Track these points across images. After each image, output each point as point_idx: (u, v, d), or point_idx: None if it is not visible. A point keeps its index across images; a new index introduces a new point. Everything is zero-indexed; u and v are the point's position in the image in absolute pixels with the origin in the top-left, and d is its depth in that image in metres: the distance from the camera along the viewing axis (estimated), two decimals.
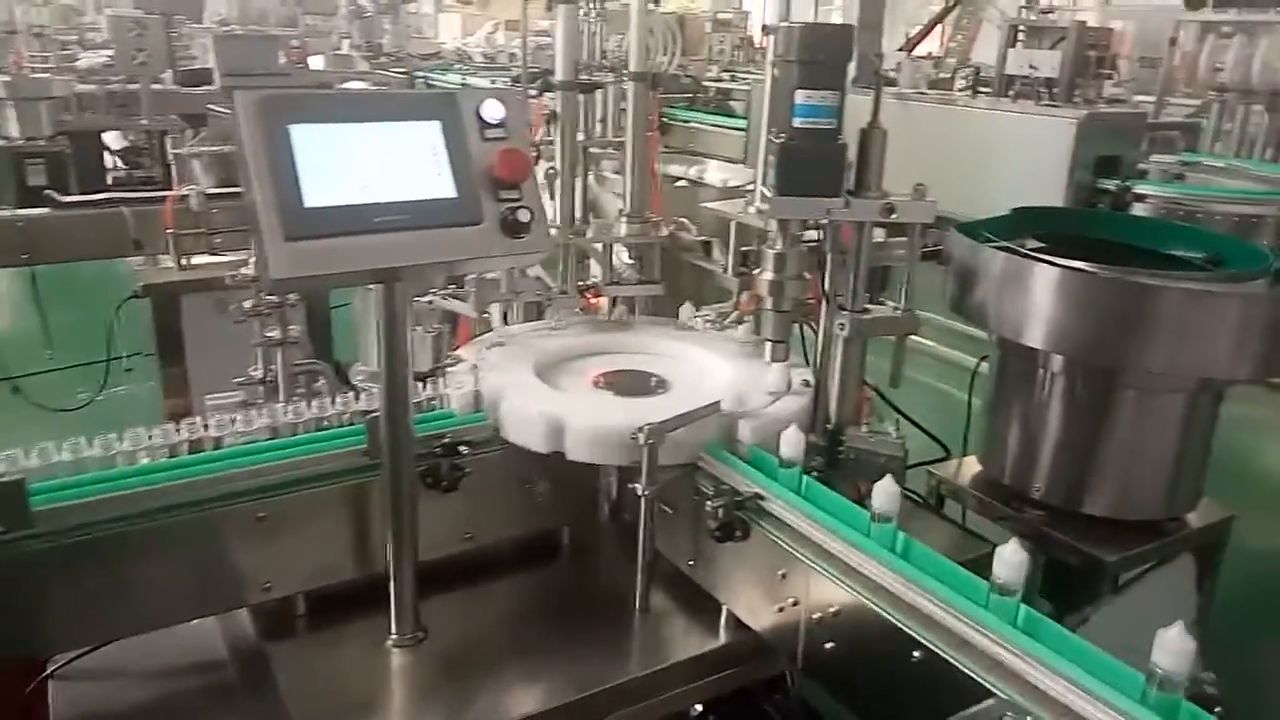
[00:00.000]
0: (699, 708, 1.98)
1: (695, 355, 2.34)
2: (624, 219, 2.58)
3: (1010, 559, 1.39)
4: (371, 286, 1.64)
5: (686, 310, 2.45)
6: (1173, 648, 1.23)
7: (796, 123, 1.91)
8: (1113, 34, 6.58)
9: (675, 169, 4.63)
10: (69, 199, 4.23)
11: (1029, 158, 5.07)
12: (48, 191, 4.36)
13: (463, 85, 9.59)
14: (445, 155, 1.61)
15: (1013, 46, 5.94)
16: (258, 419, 1.85)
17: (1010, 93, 5.70)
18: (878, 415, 2.32)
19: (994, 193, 4.97)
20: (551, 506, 2.11)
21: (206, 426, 1.75)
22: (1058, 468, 2.41)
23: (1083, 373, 2.33)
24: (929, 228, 2.18)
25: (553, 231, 2.48)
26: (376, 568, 1.90)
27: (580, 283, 2.56)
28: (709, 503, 1.76)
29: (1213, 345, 2.15)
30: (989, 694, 1.37)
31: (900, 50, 9.69)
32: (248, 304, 2.47)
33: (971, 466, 2.67)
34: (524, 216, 1.63)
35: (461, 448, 1.92)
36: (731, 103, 8.66)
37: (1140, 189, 4.74)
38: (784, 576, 1.71)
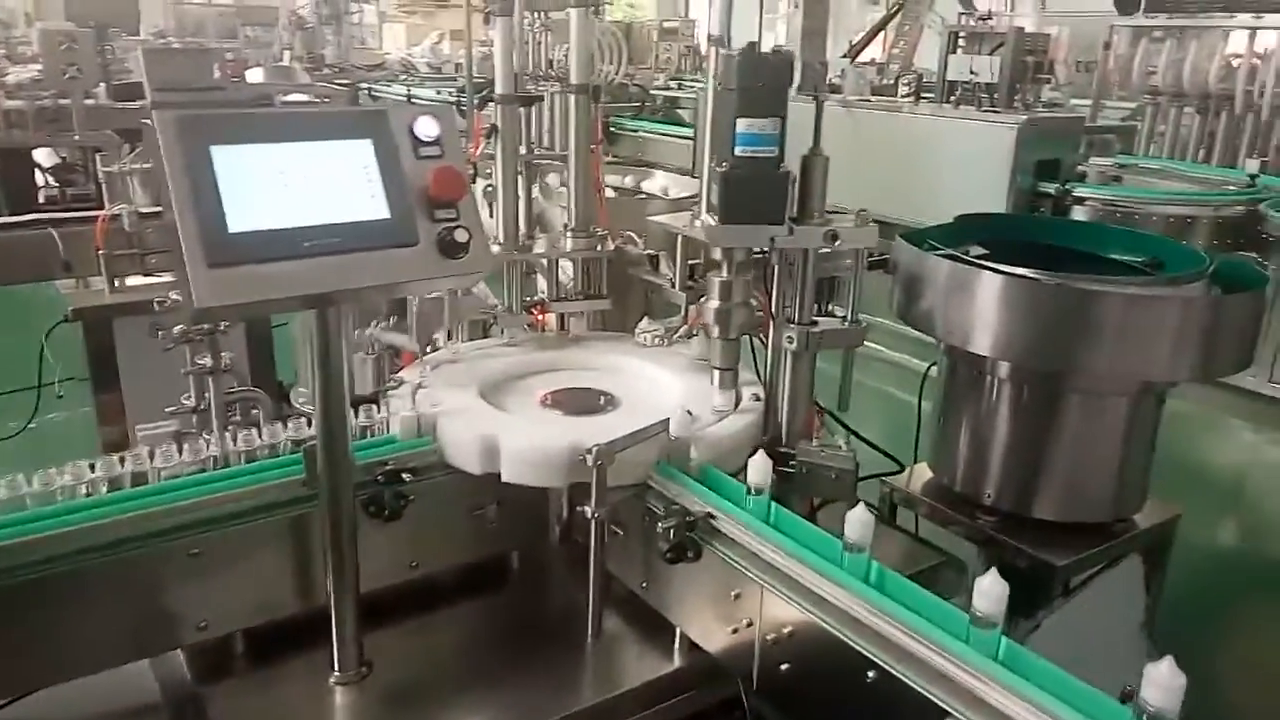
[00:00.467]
0: None
1: (646, 371, 2.31)
2: (569, 233, 2.54)
3: (990, 590, 1.35)
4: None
5: (643, 326, 2.42)
6: (1163, 683, 1.16)
7: (738, 151, 1.90)
8: (1050, 39, 6.73)
9: (627, 180, 4.60)
10: None
11: (972, 162, 5.16)
12: None
13: (408, 96, 9.50)
14: (378, 174, 1.56)
15: (953, 53, 6.03)
16: (189, 451, 1.78)
17: (952, 98, 5.79)
18: (828, 430, 2.31)
19: (938, 197, 5.06)
20: (500, 531, 2.06)
21: (123, 461, 1.67)
22: (1007, 473, 2.42)
23: (1029, 378, 2.34)
24: None
25: (496, 247, 2.44)
26: (318, 602, 1.83)
27: (526, 299, 2.51)
28: (660, 523, 1.73)
29: (1154, 348, 2.17)
30: (945, 714, 1.35)
31: (844, 57, 9.80)
32: (176, 330, 2.38)
33: (923, 474, 2.67)
34: (461, 236, 1.58)
35: (405, 474, 1.87)
36: (679, 111, 8.69)
37: (1080, 192, 4.84)
38: (737, 597, 1.69)
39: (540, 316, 2.55)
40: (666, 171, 5.12)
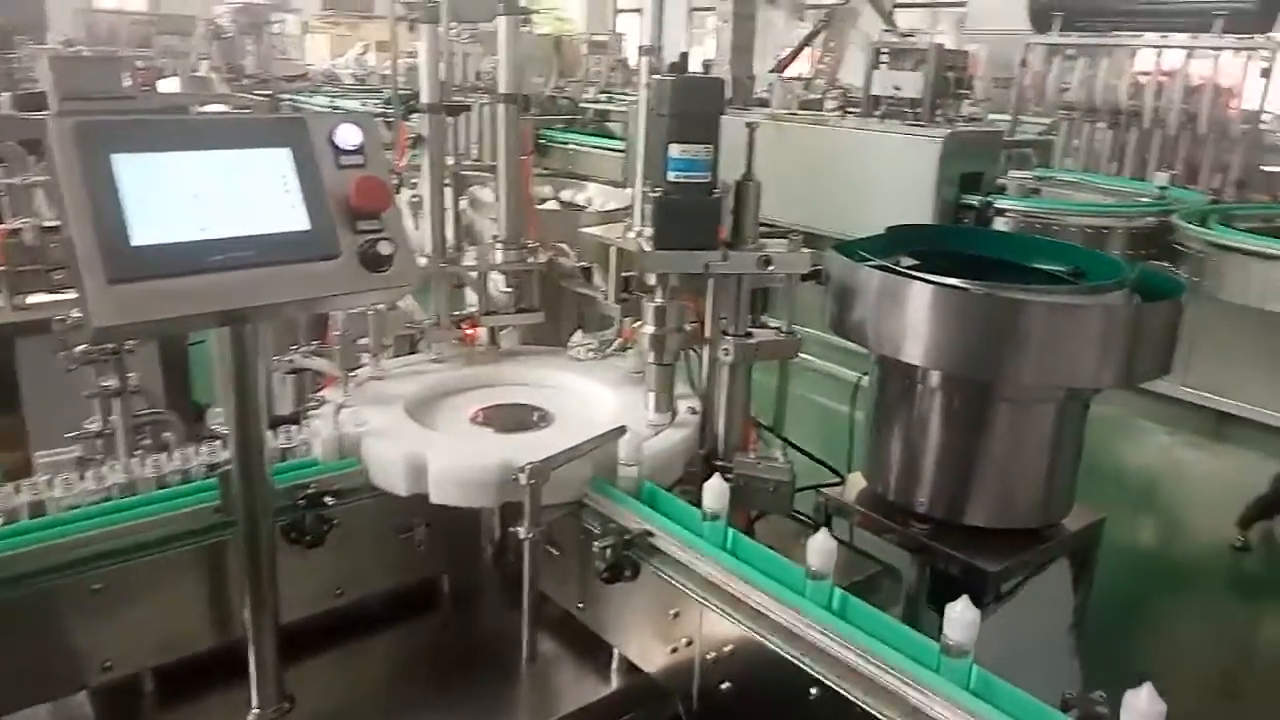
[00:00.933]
0: None
1: (579, 386, 2.26)
2: (499, 245, 2.48)
3: (959, 617, 1.32)
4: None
5: (576, 339, 2.37)
6: (1143, 709, 1.16)
7: (672, 177, 1.89)
8: (969, 56, 6.91)
9: (561, 192, 4.56)
10: None
11: (897, 175, 5.25)
12: None
13: (332, 108, 9.29)
14: (296, 185, 1.48)
15: (878, 68, 6.13)
16: (92, 478, 1.67)
17: (877, 112, 5.89)
18: (764, 442, 2.29)
19: (865, 209, 5.13)
20: (429, 554, 1.99)
21: (19, 490, 1.56)
22: (939, 481, 2.44)
23: (960, 387, 2.37)
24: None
25: (423, 260, 2.37)
26: (235, 634, 1.73)
27: (455, 313, 2.44)
28: (596, 542, 1.68)
29: (1080, 355, 2.21)
30: None
31: (771, 72, 9.94)
32: (79, 350, 2.24)
33: (857, 483, 2.68)
34: (385, 248, 1.51)
35: (327, 498, 1.79)
36: (609, 124, 8.68)
37: (1001, 203, 4.96)
38: (676, 616, 1.65)
39: (470, 331, 2.48)
40: (599, 184, 5.11)
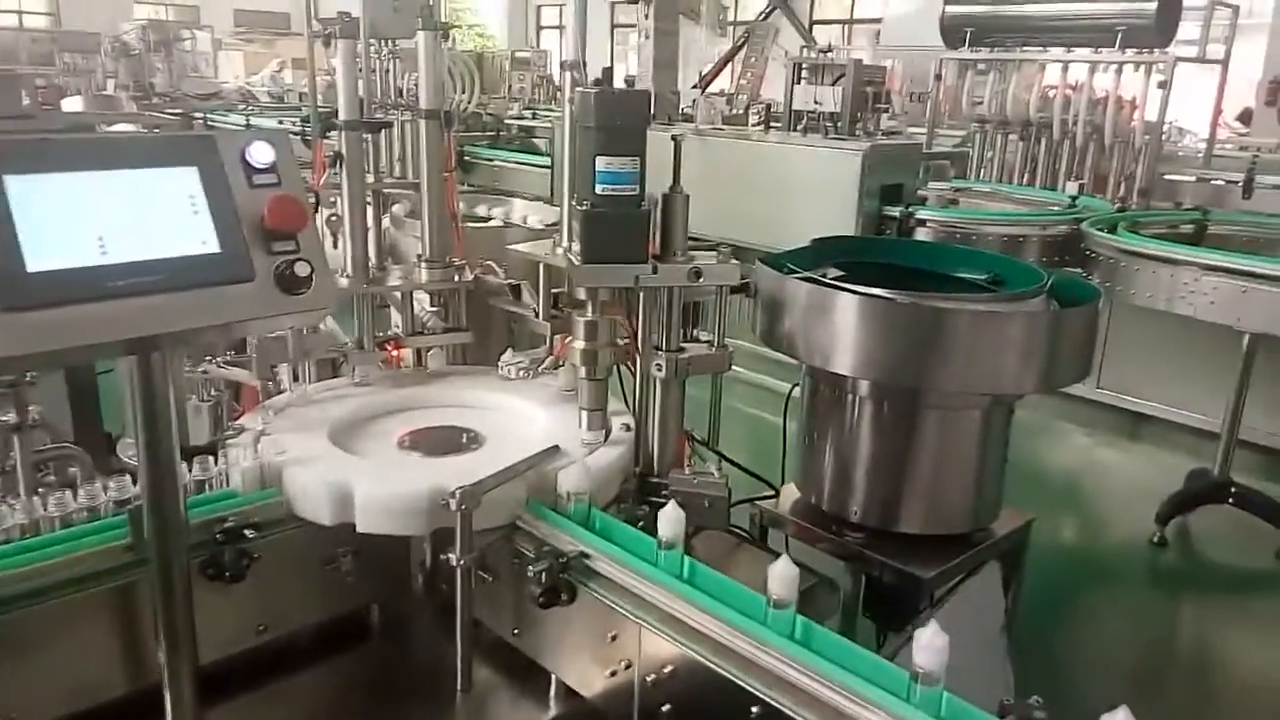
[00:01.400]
0: None
1: (510, 405, 2.22)
2: (424, 264, 2.43)
3: (930, 643, 1.29)
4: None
5: (506, 358, 2.32)
6: None
7: (599, 189, 1.87)
8: (886, 71, 7.08)
9: (480, 209, 4.50)
10: None
11: (821, 188, 5.33)
12: None
13: (247, 126, 9.05)
14: (205, 205, 1.42)
15: (798, 83, 6.23)
16: None
17: (799, 127, 5.98)
18: (699, 456, 2.28)
19: (789, 221, 5.19)
20: (357, 584, 1.92)
21: None
22: (871, 489, 2.46)
23: (888, 396, 2.39)
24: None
25: (344, 280, 2.30)
26: (150, 679, 1.64)
27: (379, 334, 2.38)
28: (531, 566, 1.64)
29: (1003, 362, 2.26)
30: None
31: (694, 87, 10.03)
32: None
33: (791, 494, 2.69)
34: (302, 270, 1.45)
35: (247, 531, 1.71)
36: (534, 140, 8.65)
37: (922, 214, 5.07)
38: (614, 638, 1.62)
39: (395, 353, 2.42)
40: (525, 200, 5.06)
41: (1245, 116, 12.04)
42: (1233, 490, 4.13)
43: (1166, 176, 6.61)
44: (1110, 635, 3.57)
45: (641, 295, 2.08)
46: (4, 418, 2.10)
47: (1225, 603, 3.97)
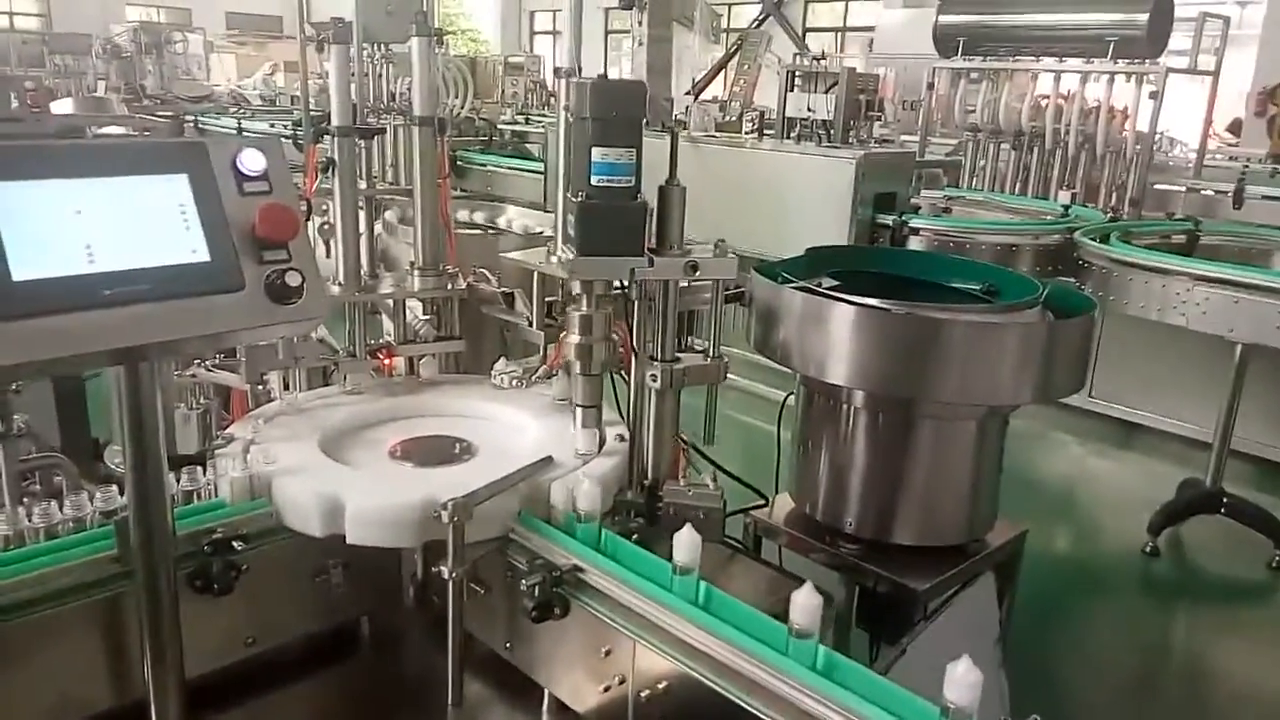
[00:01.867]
0: None
1: (503, 415, 2.19)
2: (417, 272, 2.40)
3: (963, 679, 1.21)
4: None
5: (499, 367, 2.30)
6: None
7: (595, 181, 1.85)
8: (879, 79, 7.09)
9: (475, 215, 4.48)
10: None
11: (814, 195, 5.33)
12: None
13: (238, 129, 9.01)
14: (195, 213, 1.40)
15: (791, 91, 6.23)
16: None
17: (792, 135, 5.98)
18: (694, 467, 2.26)
19: (783, 229, 5.19)
20: (347, 597, 1.90)
21: None
22: (866, 500, 2.45)
23: (883, 406, 2.39)
24: None
25: (335, 288, 2.28)
26: (135, 694, 1.61)
27: (371, 342, 2.35)
28: (524, 580, 1.62)
29: (999, 372, 2.25)
30: None
31: (687, 94, 10.03)
32: None
33: (784, 504, 2.67)
34: (294, 279, 1.43)
35: (235, 542, 1.68)
36: (528, 145, 8.64)
37: (915, 223, 5.07)
38: (608, 653, 1.60)
39: (387, 361, 2.39)
40: (518, 206, 5.05)
41: (1235, 127, 12.12)
42: (1225, 500, 4.13)
43: (1157, 186, 6.64)
44: (1103, 646, 3.56)
45: (636, 304, 2.06)
46: None
47: (1218, 613, 3.97)
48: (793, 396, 2.66)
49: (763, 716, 1.37)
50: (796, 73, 6.31)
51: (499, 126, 8.72)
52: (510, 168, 7.43)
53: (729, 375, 2.20)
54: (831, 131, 5.79)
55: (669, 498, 1.97)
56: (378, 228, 2.58)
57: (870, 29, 15.05)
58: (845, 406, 2.44)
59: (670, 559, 1.53)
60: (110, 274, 1.29)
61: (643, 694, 1.55)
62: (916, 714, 1.27)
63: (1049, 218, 5.34)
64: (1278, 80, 10.33)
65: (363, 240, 2.35)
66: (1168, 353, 4.99)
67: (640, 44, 7.43)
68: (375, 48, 4.51)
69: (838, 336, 2.27)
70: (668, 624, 1.46)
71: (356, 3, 2.29)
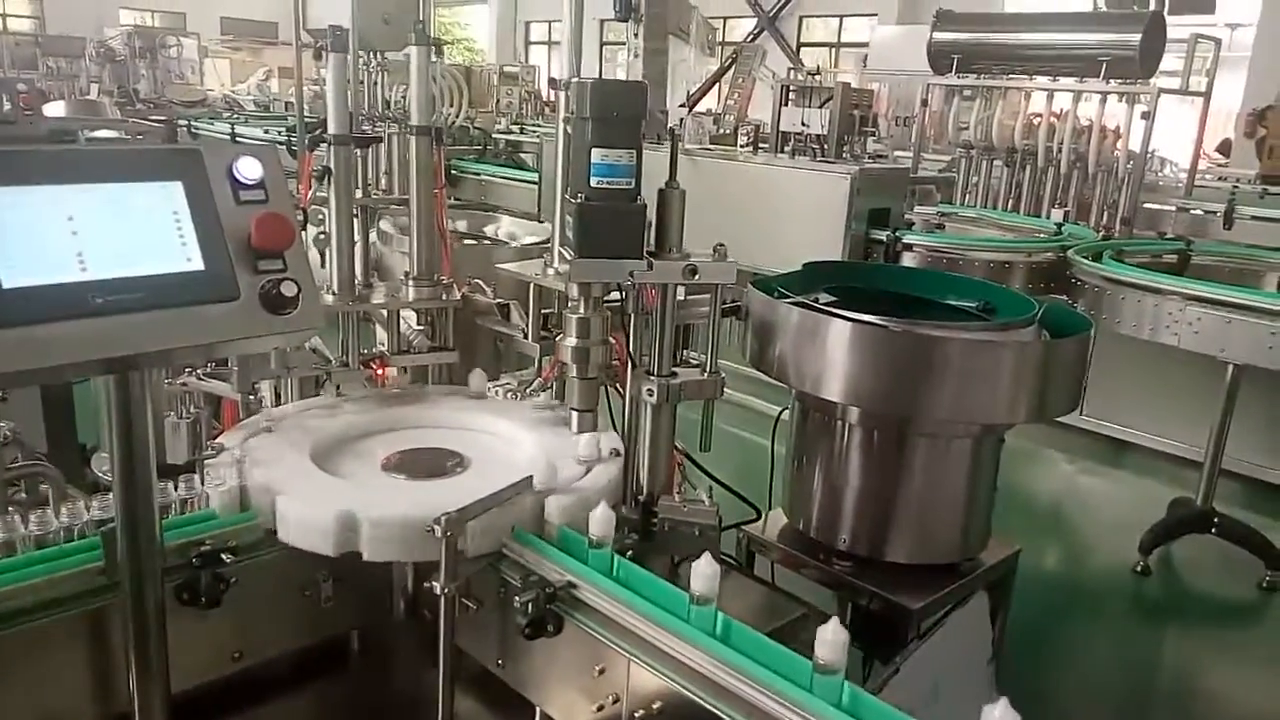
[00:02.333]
0: None
1: (497, 428, 2.17)
2: (411, 282, 2.39)
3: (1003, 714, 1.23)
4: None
5: (477, 379, 2.27)
6: None
7: (594, 182, 1.83)
8: (873, 94, 7.12)
9: (465, 224, 4.46)
10: None
11: (808, 210, 5.33)
12: None
13: (232, 135, 8.98)
14: (190, 221, 1.38)
15: (786, 105, 6.25)
16: None
17: (786, 148, 5.99)
18: (689, 481, 2.24)
19: (778, 243, 5.18)
20: (337, 611, 1.87)
21: None
22: (860, 517, 2.44)
23: (879, 423, 2.37)
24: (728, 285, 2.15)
25: (329, 298, 2.26)
26: (120, 707, 1.58)
27: (364, 352, 2.33)
28: (517, 596, 1.60)
29: (994, 391, 2.24)
30: None
31: (681, 106, 10.06)
32: None
33: (778, 519, 2.66)
34: (289, 289, 1.42)
35: (224, 555, 1.65)
36: (522, 155, 8.64)
37: (909, 239, 5.08)
38: (602, 672, 1.58)
39: (380, 371, 2.37)
40: (511, 216, 5.04)
41: (1224, 148, 12.22)
42: (1216, 520, 4.13)
43: (1147, 205, 6.68)
44: (1094, 665, 3.55)
45: (633, 315, 2.05)
46: None
47: (1209, 633, 3.96)
48: (787, 411, 2.65)
49: None
50: (791, 87, 6.33)
51: (493, 136, 8.73)
52: (504, 177, 7.42)
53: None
54: (825, 146, 5.80)
55: (664, 513, 1.95)
56: (371, 236, 2.56)
57: (864, 45, 15.14)
58: (840, 423, 2.43)
59: (668, 577, 1.51)
60: (102, 282, 1.28)
61: (637, 714, 1.53)
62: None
63: (1042, 235, 5.36)
64: (1267, 102, 10.41)
65: (357, 249, 2.33)
66: (1157, 371, 5.00)
67: (636, 56, 7.39)
68: (371, 56, 4.51)
69: (834, 352, 2.26)
70: (682, 654, 1.42)
71: (353, 11, 2.28)
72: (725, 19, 17.97)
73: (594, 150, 1.83)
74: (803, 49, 18.46)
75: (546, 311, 2.21)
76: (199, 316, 1.36)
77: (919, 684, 2.30)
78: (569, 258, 1.88)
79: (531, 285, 2.13)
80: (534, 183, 6.91)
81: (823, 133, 5.89)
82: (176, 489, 1.74)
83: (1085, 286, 4.44)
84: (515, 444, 2.10)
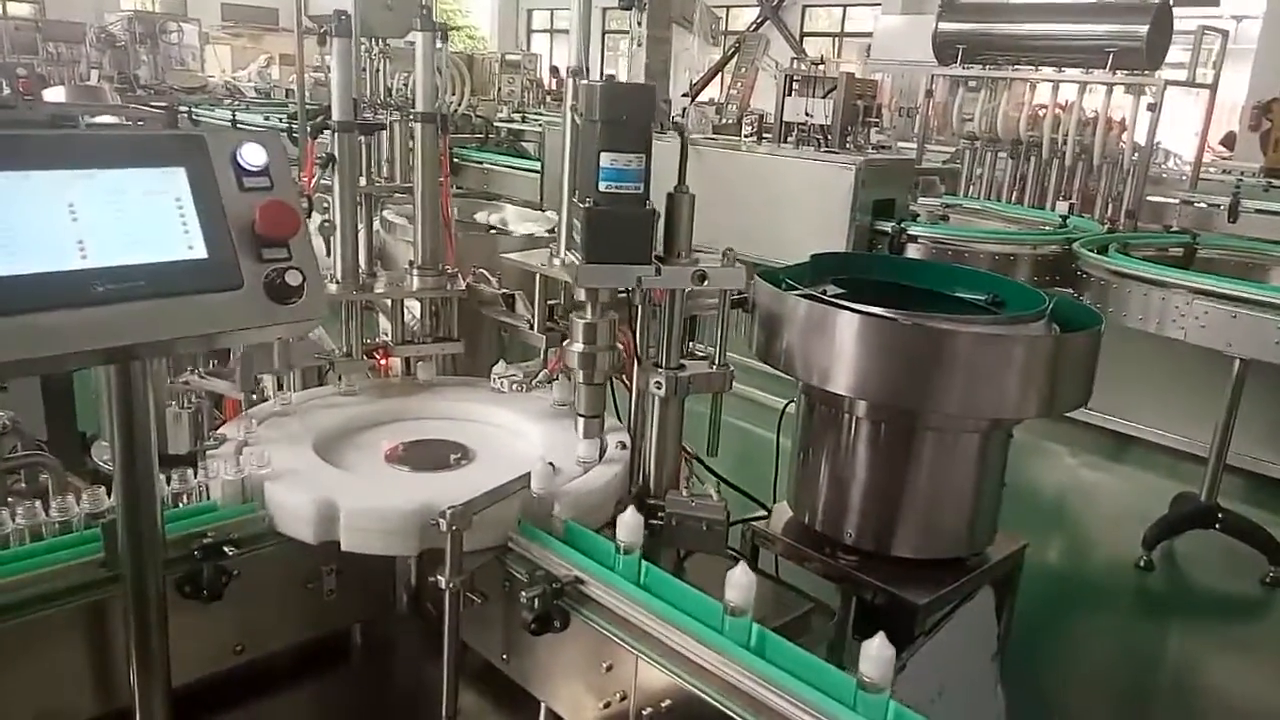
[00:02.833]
0: None
1: (503, 420, 2.15)
2: (416, 271, 2.36)
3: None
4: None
5: (498, 370, 2.25)
6: None
7: (603, 186, 1.80)
8: (877, 85, 7.07)
9: (476, 215, 4.42)
10: None
11: (813, 201, 5.29)
12: None
13: (233, 121, 8.93)
14: (193, 208, 1.35)
15: (790, 95, 6.21)
16: None
17: (790, 139, 5.96)
18: (696, 477, 2.22)
19: (782, 234, 5.16)
20: (340, 604, 1.85)
21: None
22: (867, 511, 2.42)
23: (887, 417, 2.35)
24: None
25: (333, 287, 2.23)
26: (120, 702, 1.56)
27: (367, 342, 2.31)
28: (523, 591, 1.57)
29: (1004, 385, 2.22)
30: None
31: (684, 96, 10.01)
32: None
33: (783, 513, 2.64)
34: (294, 278, 1.39)
35: (226, 547, 1.63)
36: (524, 144, 8.59)
37: (913, 230, 5.05)
38: (609, 669, 1.55)
39: (383, 361, 2.35)
40: (514, 204, 5.00)
41: (1228, 140, 12.18)
42: (1220, 515, 4.12)
43: (1151, 198, 6.64)
44: (1097, 660, 3.54)
45: (640, 307, 2.02)
46: None
47: (1212, 629, 3.95)
48: (792, 405, 2.62)
49: None
50: (795, 77, 6.29)
51: (495, 124, 8.68)
52: (507, 166, 7.38)
53: None
54: (829, 136, 5.77)
55: (671, 508, 1.93)
56: (375, 224, 2.53)
57: (867, 35, 15.07)
58: (848, 416, 2.40)
59: (674, 571, 1.49)
60: (103, 270, 1.25)
61: (645, 711, 1.51)
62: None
63: (1047, 228, 5.33)
64: (1272, 95, 10.36)
65: (361, 237, 2.31)
66: (1160, 365, 4.98)
67: (639, 44, 7.38)
68: (373, 43, 4.46)
69: (842, 345, 2.23)
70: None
71: None
72: (728, 8, 17.87)
73: (603, 154, 1.80)
74: (806, 38, 18.38)
75: (552, 302, 2.18)
76: (202, 305, 1.33)
77: (926, 681, 2.28)
78: (575, 263, 1.85)
79: (537, 275, 2.11)
80: (536, 171, 6.87)
81: (826, 123, 5.85)
82: (172, 481, 1.72)
83: (1091, 279, 4.42)
84: (523, 437, 2.08)
